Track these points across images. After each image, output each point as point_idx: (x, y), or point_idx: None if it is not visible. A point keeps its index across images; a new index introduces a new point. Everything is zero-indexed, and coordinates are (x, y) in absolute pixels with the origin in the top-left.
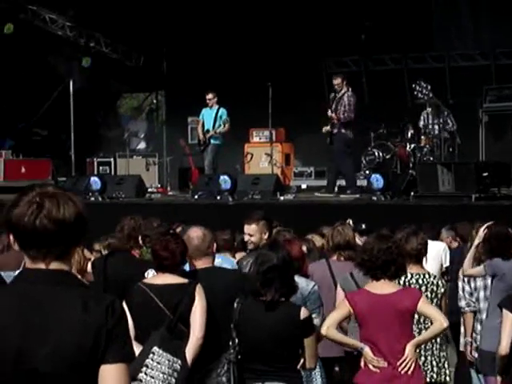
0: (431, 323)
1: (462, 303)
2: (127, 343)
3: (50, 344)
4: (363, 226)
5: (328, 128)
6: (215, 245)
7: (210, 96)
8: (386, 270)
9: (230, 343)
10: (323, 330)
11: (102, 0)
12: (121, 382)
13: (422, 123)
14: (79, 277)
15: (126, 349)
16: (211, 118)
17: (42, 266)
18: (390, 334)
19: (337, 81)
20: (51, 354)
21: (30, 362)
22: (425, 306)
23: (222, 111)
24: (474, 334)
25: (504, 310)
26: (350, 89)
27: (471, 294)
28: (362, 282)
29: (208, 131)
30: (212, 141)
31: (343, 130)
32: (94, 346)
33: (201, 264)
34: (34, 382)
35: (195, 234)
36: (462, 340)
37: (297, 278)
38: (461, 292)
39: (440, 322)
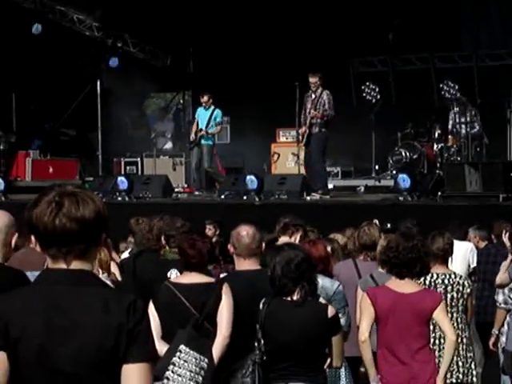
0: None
1: (500, 298)
2: (149, 343)
3: (71, 344)
4: (388, 226)
5: (304, 129)
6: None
7: (205, 99)
8: (411, 268)
9: (256, 344)
10: (363, 338)
11: (130, 0)
12: (143, 381)
13: (449, 123)
14: (104, 276)
15: (148, 348)
16: (206, 118)
17: (63, 265)
18: (407, 333)
19: (314, 79)
20: (73, 354)
21: (52, 362)
22: (441, 314)
23: (217, 112)
24: (506, 329)
25: None
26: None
27: (511, 290)
28: (382, 283)
29: (201, 130)
30: (203, 141)
31: (323, 129)
32: (115, 345)
33: (247, 264)
34: (56, 381)
35: (245, 232)
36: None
37: (321, 279)
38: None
39: (448, 337)
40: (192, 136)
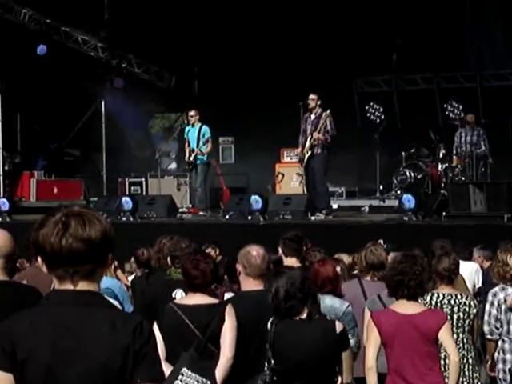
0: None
1: (486, 329)
2: (156, 363)
3: (79, 365)
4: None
5: (300, 150)
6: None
7: (192, 113)
8: (415, 288)
9: (266, 364)
10: (369, 365)
11: (134, 22)
12: None
13: (455, 143)
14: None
15: (155, 369)
16: (194, 136)
17: (69, 286)
18: (415, 354)
19: (313, 96)
20: (80, 375)
21: (58, 382)
22: (445, 334)
23: (205, 129)
24: (502, 355)
25: None
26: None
27: (496, 319)
28: (390, 304)
29: (193, 150)
30: (198, 161)
31: (325, 151)
32: (122, 366)
33: (255, 284)
34: None
35: (256, 252)
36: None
37: (330, 299)
38: (486, 316)
39: (452, 358)
40: (188, 158)
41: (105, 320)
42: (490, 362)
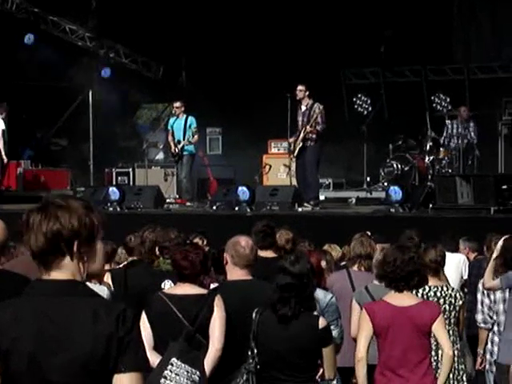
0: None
1: (479, 317)
2: (140, 352)
3: (62, 354)
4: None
5: (293, 139)
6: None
7: (177, 104)
8: (409, 280)
9: (249, 353)
10: (359, 356)
11: (122, 11)
12: None
13: (443, 135)
14: (95, 286)
15: (139, 357)
16: (180, 128)
17: (51, 276)
18: (408, 346)
19: (300, 87)
20: (63, 364)
21: (43, 373)
22: (439, 327)
23: (191, 120)
24: (490, 347)
25: None
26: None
27: (490, 308)
28: (378, 295)
29: (179, 142)
30: (185, 152)
31: (318, 142)
32: (105, 354)
33: (241, 274)
34: None
35: (245, 242)
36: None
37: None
38: (479, 305)
39: (445, 351)
40: (174, 149)
41: (87, 309)
42: (481, 353)
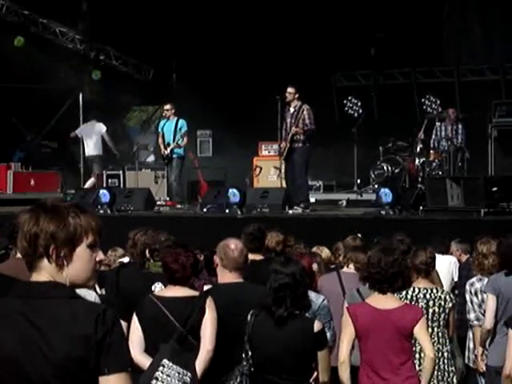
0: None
1: (471, 316)
2: (122, 352)
3: (40, 355)
4: (375, 240)
5: (285, 144)
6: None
7: (167, 107)
8: (393, 282)
9: (244, 355)
10: (341, 359)
11: (113, 14)
12: None
13: (432, 138)
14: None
15: (123, 358)
16: (171, 130)
17: (33, 277)
18: (389, 349)
19: (290, 89)
20: (41, 365)
21: (21, 373)
22: (420, 330)
23: (182, 123)
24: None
25: (510, 330)
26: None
27: (480, 306)
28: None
29: (169, 144)
30: (174, 154)
31: (307, 143)
32: (83, 356)
33: (232, 277)
34: None
35: (234, 245)
36: (467, 353)
37: None
38: (469, 304)
39: (427, 354)
40: (163, 151)
41: (66, 310)
42: (480, 352)
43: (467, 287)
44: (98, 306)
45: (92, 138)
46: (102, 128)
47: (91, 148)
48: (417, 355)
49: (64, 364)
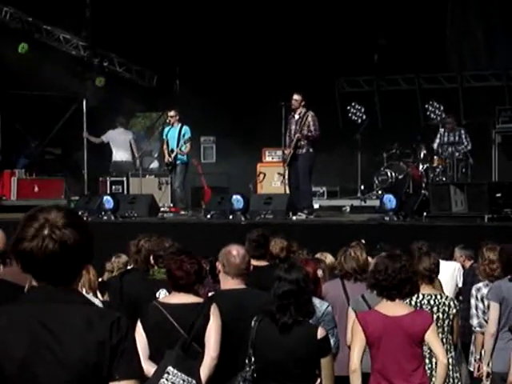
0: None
1: (474, 322)
2: (133, 360)
3: (54, 361)
4: (379, 246)
5: (289, 151)
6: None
7: (171, 113)
8: (401, 289)
9: (246, 361)
10: (353, 367)
11: (116, 20)
12: None
13: (436, 144)
14: (89, 296)
15: (134, 365)
16: (174, 137)
17: (44, 283)
18: (400, 355)
19: (297, 96)
20: (54, 370)
21: (35, 379)
22: (432, 336)
23: (185, 129)
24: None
25: None
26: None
27: (484, 313)
28: (374, 304)
29: (173, 151)
30: (178, 161)
31: (311, 150)
32: (98, 362)
33: (234, 283)
34: None
35: (236, 252)
36: (470, 359)
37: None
38: (474, 310)
39: (440, 360)
40: (167, 158)
41: (81, 316)
42: (478, 358)
43: (473, 292)
44: (113, 313)
45: (121, 144)
46: (129, 135)
47: (120, 154)
48: (427, 361)
49: (78, 369)
